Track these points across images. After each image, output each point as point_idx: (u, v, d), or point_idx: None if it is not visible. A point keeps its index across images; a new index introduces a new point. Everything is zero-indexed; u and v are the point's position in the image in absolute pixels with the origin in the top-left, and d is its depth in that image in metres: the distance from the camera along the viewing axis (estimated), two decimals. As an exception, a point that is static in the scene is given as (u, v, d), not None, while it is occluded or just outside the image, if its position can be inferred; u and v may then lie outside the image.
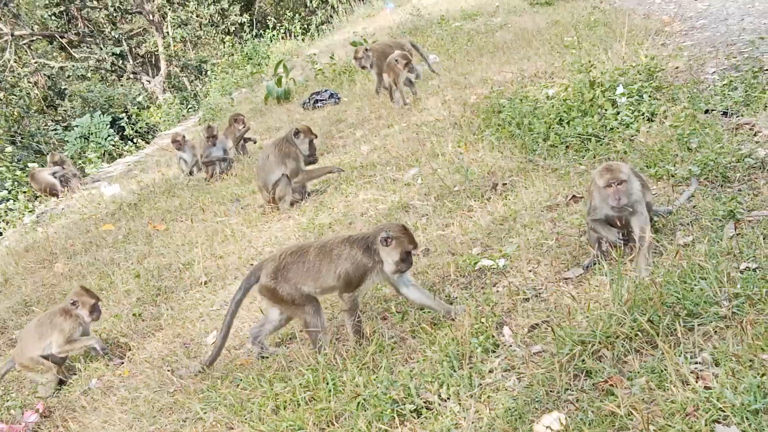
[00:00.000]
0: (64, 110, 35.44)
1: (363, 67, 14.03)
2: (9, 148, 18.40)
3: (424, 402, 4.62)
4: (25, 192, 15.93)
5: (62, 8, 35.22)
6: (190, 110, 27.49)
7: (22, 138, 30.09)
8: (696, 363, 4.20)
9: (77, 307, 7.05)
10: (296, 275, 5.77)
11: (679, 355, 4.22)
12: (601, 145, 8.05)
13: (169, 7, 37.97)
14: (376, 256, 5.69)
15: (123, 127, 26.08)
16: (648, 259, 5.46)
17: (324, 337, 5.73)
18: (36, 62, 37.00)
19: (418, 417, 4.55)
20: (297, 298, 5.75)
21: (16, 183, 16.51)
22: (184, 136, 13.14)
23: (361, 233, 5.90)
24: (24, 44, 37.14)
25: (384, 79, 13.32)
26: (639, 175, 5.89)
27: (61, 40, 36.61)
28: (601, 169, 5.66)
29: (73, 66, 36.35)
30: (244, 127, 13.14)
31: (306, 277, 5.76)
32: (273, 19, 34.68)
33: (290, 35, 30.39)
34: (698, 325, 4.46)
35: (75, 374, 7.10)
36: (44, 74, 37.05)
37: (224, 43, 33.84)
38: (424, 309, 5.89)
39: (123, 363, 6.89)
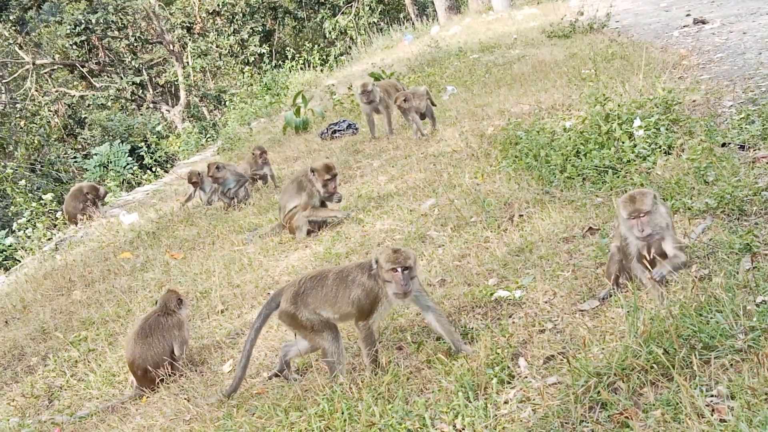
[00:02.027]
0: (84, 139, 35.75)
1: (370, 102, 13.38)
2: (22, 181, 18.48)
3: (439, 432, 4.63)
4: (43, 221, 16.01)
5: (83, 38, 35.55)
6: (209, 140, 27.62)
7: (42, 166, 30.32)
8: (712, 396, 4.19)
9: (181, 307, 7.23)
10: (315, 300, 5.80)
11: (695, 388, 4.22)
12: (617, 177, 8.07)
13: (189, 38, 38.34)
14: (380, 282, 5.68)
15: (142, 155, 26.23)
16: (672, 266, 5.48)
17: (341, 366, 5.74)
18: (57, 91, 37.41)
19: (433, 447, 4.57)
20: (316, 323, 5.77)
21: (34, 213, 16.58)
22: (199, 173, 13.11)
23: (365, 264, 5.90)
24: (45, 73, 37.58)
25: (393, 113, 13.52)
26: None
27: (81, 69, 37.00)
28: (625, 199, 5.62)
29: (94, 95, 36.70)
30: (262, 162, 12.92)
31: (324, 302, 5.78)
32: (292, 49, 34.92)
33: (309, 66, 30.59)
34: (714, 357, 4.45)
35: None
36: (64, 103, 37.44)
37: (243, 73, 34.08)
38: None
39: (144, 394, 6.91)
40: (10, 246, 15.64)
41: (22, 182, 18.30)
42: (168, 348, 6.98)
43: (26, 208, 16.79)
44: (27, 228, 15.37)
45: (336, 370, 5.70)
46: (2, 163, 18.10)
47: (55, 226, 15.94)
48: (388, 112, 13.46)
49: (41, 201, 16.95)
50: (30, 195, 17.40)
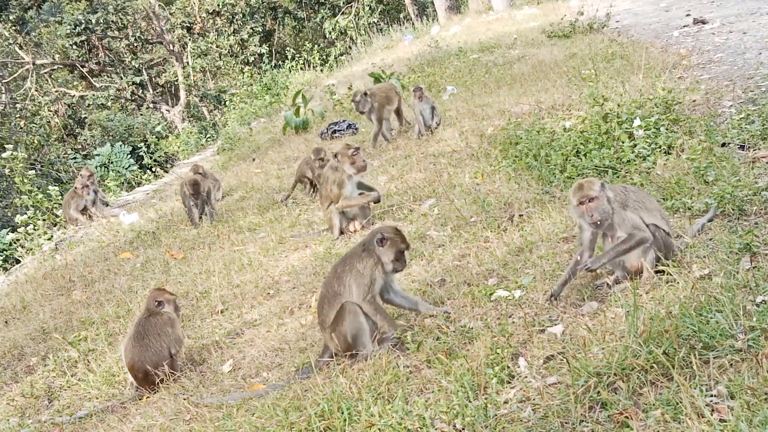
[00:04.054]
0: (84, 139, 35.71)
1: (361, 113, 13.31)
2: (32, 171, 18.44)
3: (439, 432, 4.63)
4: (44, 219, 15.98)
5: (83, 38, 35.54)
6: (208, 140, 27.63)
7: (42, 166, 30.32)
8: (711, 396, 4.19)
9: (163, 307, 7.14)
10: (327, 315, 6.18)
11: (695, 388, 4.22)
12: (617, 177, 8.07)
13: (189, 38, 38.32)
14: (376, 256, 6.14)
15: (141, 155, 26.23)
16: (611, 255, 5.85)
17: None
18: (57, 91, 37.40)
19: (433, 447, 4.56)
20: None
21: (36, 210, 16.55)
22: (201, 174, 12.95)
23: (356, 247, 6.37)
24: (45, 73, 37.54)
25: (384, 123, 13.31)
26: (634, 200, 5.98)
27: (81, 69, 36.98)
28: (574, 187, 5.94)
29: (94, 95, 36.67)
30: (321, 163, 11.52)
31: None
32: (292, 49, 34.95)
33: (309, 66, 30.59)
34: (714, 357, 4.45)
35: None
36: (64, 103, 37.40)
37: (243, 73, 34.11)
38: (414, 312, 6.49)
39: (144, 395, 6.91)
40: (11, 245, 15.55)
41: (32, 172, 18.25)
42: (165, 347, 6.96)
43: (32, 203, 16.75)
44: (28, 224, 15.32)
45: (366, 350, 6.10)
46: (12, 154, 17.91)
47: (55, 225, 15.93)
48: (381, 124, 13.27)
49: (47, 193, 16.96)
50: (35, 191, 17.30)
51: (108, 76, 37.85)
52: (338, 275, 6.20)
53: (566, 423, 4.40)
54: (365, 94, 13.22)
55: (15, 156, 17.69)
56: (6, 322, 10.04)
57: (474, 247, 7.55)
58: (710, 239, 6.22)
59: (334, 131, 15.27)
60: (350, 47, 34.19)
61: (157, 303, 7.12)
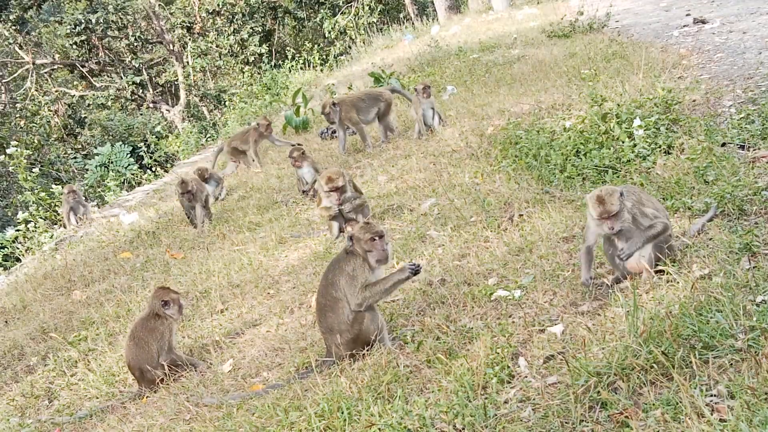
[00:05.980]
0: (84, 139, 35.69)
1: (332, 122, 13.36)
2: (36, 168, 18.51)
3: (439, 432, 4.63)
4: (45, 218, 15.98)
5: (83, 38, 35.49)
6: (208, 139, 27.61)
7: (42, 166, 30.33)
8: (711, 396, 4.19)
9: (170, 307, 7.09)
10: (333, 322, 6.15)
11: (695, 388, 4.22)
12: (617, 177, 8.06)
13: (189, 37, 38.28)
14: (359, 254, 6.24)
15: (141, 155, 26.22)
16: (644, 240, 5.89)
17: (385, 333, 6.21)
18: (57, 91, 37.34)
19: (433, 447, 4.57)
20: (357, 317, 6.12)
21: (39, 208, 16.56)
22: (203, 170, 12.98)
23: (340, 252, 6.47)
24: (45, 73, 37.50)
25: (343, 133, 13.27)
26: (640, 201, 6.01)
27: (81, 69, 36.94)
28: (594, 200, 5.86)
29: (94, 95, 36.65)
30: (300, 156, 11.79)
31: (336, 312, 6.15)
32: (292, 49, 34.89)
33: (309, 66, 30.55)
34: (714, 357, 4.45)
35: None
36: (64, 103, 37.37)
37: (243, 73, 34.07)
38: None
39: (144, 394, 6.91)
40: (12, 242, 15.54)
41: (36, 170, 18.29)
42: (155, 349, 6.94)
43: (34, 199, 16.75)
44: (29, 222, 15.32)
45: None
46: (18, 150, 17.93)
47: (55, 223, 15.95)
48: (359, 129, 13.19)
49: (50, 191, 16.98)
50: (39, 188, 17.36)
51: (108, 76, 37.84)
52: (331, 282, 6.21)
53: (566, 423, 4.41)
54: (333, 104, 13.11)
55: (21, 153, 17.68)
56: (6, 321, 10.05)
57: (474, 247, 7.55)
58: (710, 239, 6.22)
59: (334, 131, 15.24)
60: (350, 47, 34.13)
61: (163, 303, 7.09)
